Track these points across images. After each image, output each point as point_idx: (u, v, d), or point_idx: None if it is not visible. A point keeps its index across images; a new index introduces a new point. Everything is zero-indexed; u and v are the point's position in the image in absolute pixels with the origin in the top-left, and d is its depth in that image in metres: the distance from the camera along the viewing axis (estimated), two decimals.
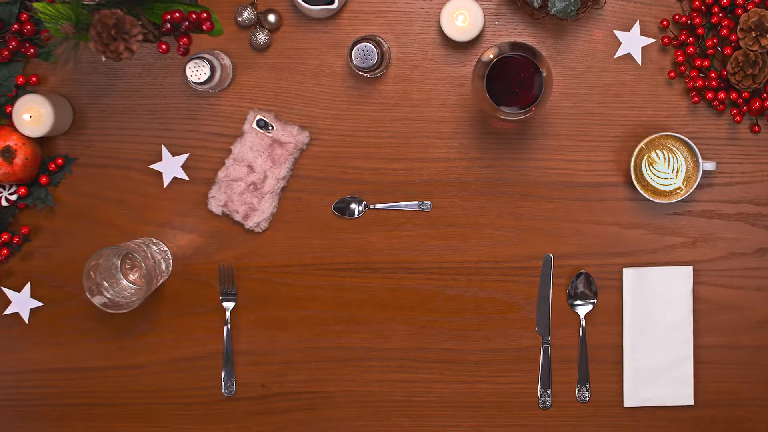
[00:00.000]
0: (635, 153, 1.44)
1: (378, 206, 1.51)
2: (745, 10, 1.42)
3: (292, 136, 1.47)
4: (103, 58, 1.46)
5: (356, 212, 1.51)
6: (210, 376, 1.53)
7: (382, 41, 1.46)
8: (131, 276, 1.52)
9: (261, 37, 1.49)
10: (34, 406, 1.55)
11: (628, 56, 1.48)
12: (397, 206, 1.51)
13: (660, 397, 1.50)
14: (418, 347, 1.52)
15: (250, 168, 1.48)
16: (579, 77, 1.49)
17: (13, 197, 1.50)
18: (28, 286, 1.53)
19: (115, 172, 1.52)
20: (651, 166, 1.46)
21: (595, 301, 1.50)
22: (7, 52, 1.46)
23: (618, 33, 1.48)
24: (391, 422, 1.53)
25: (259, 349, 1.52)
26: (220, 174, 1.48)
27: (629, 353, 1.50)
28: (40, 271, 1.53)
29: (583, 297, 1.50)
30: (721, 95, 1.44)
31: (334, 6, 1.43)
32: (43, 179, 1.49)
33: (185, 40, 1.32)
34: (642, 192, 1.45)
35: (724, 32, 1.43)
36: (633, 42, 1.48)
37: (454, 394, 1.52)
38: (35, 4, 1.32)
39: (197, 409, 1.54)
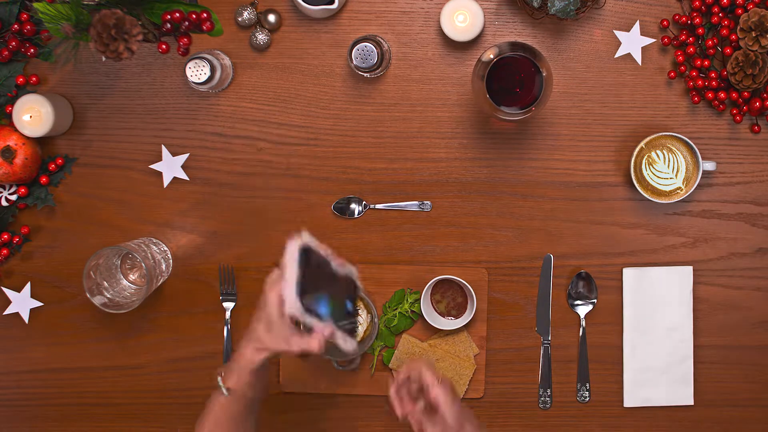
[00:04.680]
0: (635, 153, 1.44)
1: (378, 206, 1.51)
2: (745, 10, 1.42)
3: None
4: (103, 58, 1.46)
5: (356, 212, 1.51)
6: (210, 376, 1.53)
7: (382, 41, 1.46)
8: (131, 276, 1.52)
9: (261, 37, 1.49)
10: (34, 406, 1.55)
11: (628, 56, 1.48)
12: (397, 206, 1.51)
13: (660, 397, 1.50)
14: None
15: None
16: (579, 77, 1.49)
17: (13, 197, 1.50)
18: (28, 286, 1.53)
19: (115, 172, 1.52)
20: (651, 166, 1.46)
21: (595, 301, 1.50)
22: (7, 52, 1.46)
23: (618, 33, 1.48)
24: (390, 422, 1.53)
25: None
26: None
27: (629, 353, 1.50)
28: (40, 271, 1.53)
29: (583, 297, 1.50)
30: (721, 95, 1.44)
31: (334, 6, 1.43)
32: (43, 179, 1.49)
33: (185, 40, 1.32)
34: (642, 192, 1.45)
35: (724, 32, 1.42)
36: (633, 42, 1.48)
37: None
38: (35, 4, 1.32)
39: (197, 409, 1.53)
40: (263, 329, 1.23)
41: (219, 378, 1.26)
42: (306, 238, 1.22)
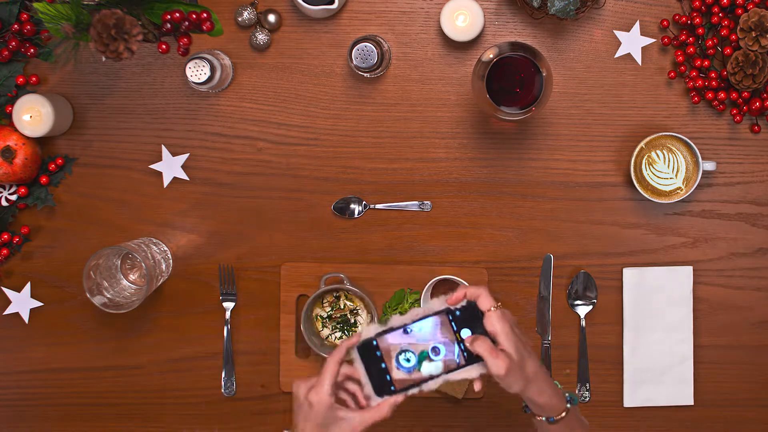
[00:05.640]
0: (635, 153, 1.44)
1: (378, 206, 1.51)
2: (745, 10, 1.42)
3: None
4: (103, 58, 1.46)
5: (356, 212, 1.51)
6: (210, 376, 1.53)
7: (382, 41, 1.46)
8: (131, 276, 1.52)
9: (261, 37, 1.49)
10: (34, 406, 1.55)
11: (628, 56, 1.48)
12: (397, 206, 1.51)
13: (660, 397, 1.50)
14: None
15: None
16: (579, 77, 1.49)
17: (13, 197, 1.50)
18: (28, 286, 1.53)
19: (115, 172, 1.52)
20: (651, 166, 1.46)
21: (595, 301, 1.50)
22: (7, 52, 1.46)
23: (618, 33, 1.48)
24: (391, 422, 1.52)
25: (259, 349, 1.52)
26: None
27: (629, 353, 1.50)
28: (40, 271, 1.53)
29: (583, 297, 1.50)
30: (721, 95, 1.44)
31: (334, 6, 1.43)
32: (43, 179, 1.49)
33: (185, 40, 1.32)
34: (642, 192, 1.45)
35: (724, 32, 1.42)
36: (633, 42, 1.48)
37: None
38: (35, 4, 1.32)
39: (197, 409, 1.54)
40: None
41: None
42: (366, 332, 1.18)
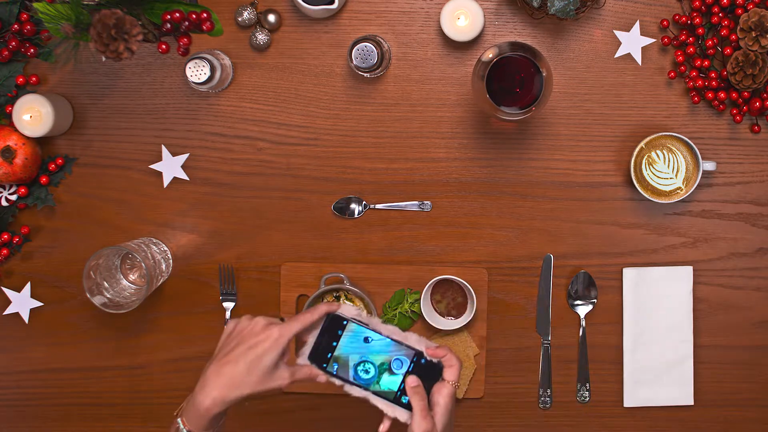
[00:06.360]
0: (635, 153, 1.44)
1: (378, 206, 1.51)
2: (745, 10, 1.42)
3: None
4: (103, 58, 1.46)
5: (356, 212, 1.51)
6: None
7: (382, 41, 1.46)
8: (131, 276, 1.52)
9: (261, 37, 1.49)
10: (34, 406, 1.55)
11: (628, 56, 1.48)
12: (397, 206, 1.51)
13: (660, 397, 1.50)
14: None
15: None
16: (579, 77, 1.49)
17: (13, 197, 1.50)
18: (28, 286, 1.53)
19: (115, 172, 1.52)
20: (651, 166, 1.46)
21: (595, 301, 1.50)
22: (7, 52, 1.46)
23: (618, 33, 1.48)
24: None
25: None
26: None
27: (629, 353, 1.50)
28: (40, 271, 1.53)
29: (583, 297, 1.50)
30: (721, 95, 1.44)
31: (334, 6, 1.43)
32: (43, 179, 1.49)
33: (185, 40, 1.32)
34: (642, 192, 1.45)
35: (724, 32, 1.42)
36: (633, 42, 1.48)
37: None
38: (35, 4, 1.32)
39: None
40: (244, 372, 1.16)
41: (180, 421, 1.21)
42: (346, 309, 1.23)
